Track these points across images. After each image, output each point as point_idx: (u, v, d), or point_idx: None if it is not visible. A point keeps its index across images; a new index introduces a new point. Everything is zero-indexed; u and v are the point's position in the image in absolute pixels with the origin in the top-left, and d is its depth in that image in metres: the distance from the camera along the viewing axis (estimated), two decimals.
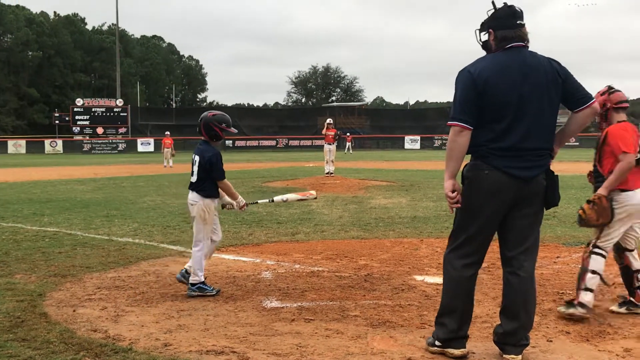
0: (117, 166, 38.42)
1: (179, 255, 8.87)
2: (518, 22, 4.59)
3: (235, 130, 7.27)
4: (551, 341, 5.18)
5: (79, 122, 73.40)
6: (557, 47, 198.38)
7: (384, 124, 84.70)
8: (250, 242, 10.01)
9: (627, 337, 5.27)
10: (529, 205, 4.60)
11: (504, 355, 4.69)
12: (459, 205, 4.64)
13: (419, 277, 7.51)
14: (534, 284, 4.76)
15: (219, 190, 7.01)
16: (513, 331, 4.67)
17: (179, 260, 8.50)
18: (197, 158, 6.92)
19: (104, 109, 74.17)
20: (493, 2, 4.65)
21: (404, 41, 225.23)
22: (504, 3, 4.64)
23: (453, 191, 4.62)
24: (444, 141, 66.12)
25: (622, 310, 5.96)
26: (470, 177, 4.63)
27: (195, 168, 6.93)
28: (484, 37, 4.71)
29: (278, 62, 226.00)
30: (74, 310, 6.10)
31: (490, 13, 4.67)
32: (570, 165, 33.20)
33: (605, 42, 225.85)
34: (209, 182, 6.88)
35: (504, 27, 4.58)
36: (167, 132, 40.50)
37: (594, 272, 5.84)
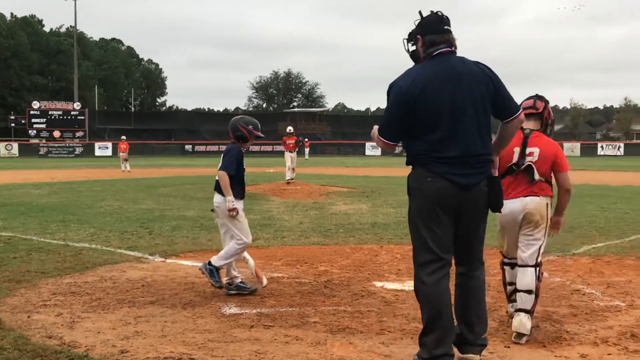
0: (74, 170, 37.89)
1: (136, 261, 8.77)
2: (445, 27, 4.60)
3: (263, 135, 7.27)
4: (509, 347, 5.22)
5: (35, 125, 72.27)
6: (517, 55, 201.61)
7: (345, 130, 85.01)
8: (210, 248, 9.93)
9: (583, 342, 5.33)
10: (473, 213, 4.60)
11: (462, 355, 4.71)
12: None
13: (378, 284, 7.52)
14: (484, 287, 4.80)
15: (244, 192, 7.06)
16: (468, 332, 4.70)
17: (136, 266, 8.41)
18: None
19: (61, 112, 73.13)
20: (420, 12, 4.69)
21: (365, 48, 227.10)
22: (431, 11, 4.68)
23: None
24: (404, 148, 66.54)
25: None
26: (414, 187, 4.62)
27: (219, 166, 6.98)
28: (412, 47, 4.72)
29: (239, 67, 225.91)
30: (29, 317, 5.98)
31: (417, 23, 4.69)
32: None
33: (564, 52, 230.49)
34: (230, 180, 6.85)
35: (432, 32, 4.59)
36: (123, 137, 39.95)
37: (510, 283, 5.85)
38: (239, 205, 6.90)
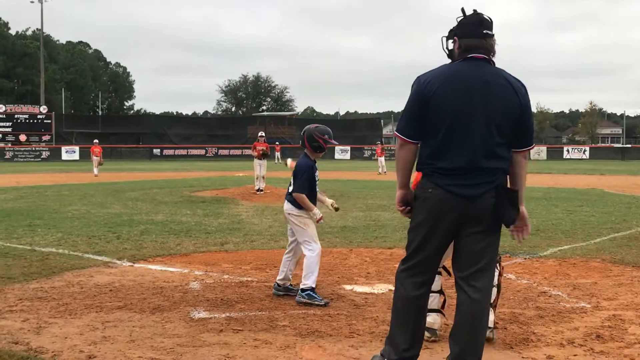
0: (40, 174, 37.43)
1: (104, 266, 8.69)
2: (485, 31, 4.33)
3: (337, 142, 7.31)
4: None
5: (0, 129, 71.28)
6: None
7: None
8: (178, 252, 9.89)
9: (549, 344, 5.40)
10: (477, 225, 4.32)
11: None
12: (410, 215, 4.58)
13: (348, 287, 7.54)
14: (484, 313, 4.43)
15: (316, 200, 7.17)
16: (459, 355, 4.40)
17: (104, 271, 8.33)
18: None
19: (27, 116, 72.20)
20: (463, 10, 4.44)
21: (333, 53, 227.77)
22: (474, 10, 4.44)
23: (402, 202, 4.58)
24: (373, 152, 66.91)
25: None
26: (417, 196, 4.46)
27: (292, 178, 7.12)
28: (451, 45, 4.50)
29: (207, 71, 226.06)
30: None
31: (458, 20, 4.45)
32: None
33: (525, 57, 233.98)
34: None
35: (469, 35, 4.35)
36: (96, 140, 39.88)
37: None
38: (308, 214, 7.04)
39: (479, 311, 4.37)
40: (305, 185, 7.02)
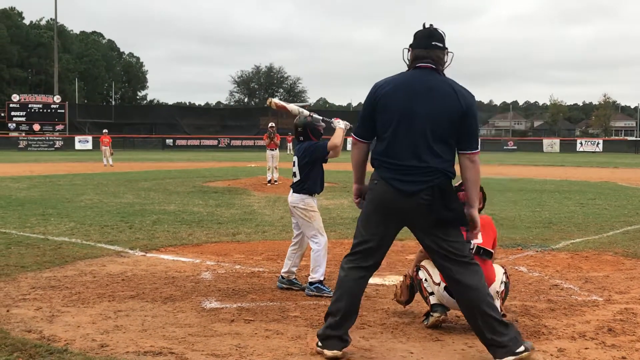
0: (53, 164, 37.62)
1: (116, 255, 8.73)
2: (433, 42, 4.72)
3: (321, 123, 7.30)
4: None
5: (14, 119, 71.66)
6: (492, 53, 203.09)
7: (327, 125, 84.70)
8: (190, 242, 9.93)
9: (561, 337, 5.38)
10: (422, 220, 4.67)
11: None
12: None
13: None
14: (476, 291, 4.66)
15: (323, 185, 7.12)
16: (482, 338, 4.69)
17: (116, 260, 8.37)
18: (295, 158, 7.02)
19: (41, 106, 72.53)
20: (424, 24, 4.82)
21: (345, 44, 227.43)
22: (430, 25, 4.81)
23: (356, 195, 5.14)
24: None
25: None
26: (368, 187, 4.90)
27: (296, 168, 6.99)
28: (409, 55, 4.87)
29: (220, 61, 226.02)
30: (8, 311, 5.94)
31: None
32: (509, 169, 33.90)
33: (536, 50, 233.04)
34: (312, 178, 6.94)
35: (419, 46, 4.76)
36: (105, 130, 39.76)
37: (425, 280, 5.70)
38: (314, 201, 6.95)
39: (471, 296, 4.69)
40: (324, 142, 6.95)
